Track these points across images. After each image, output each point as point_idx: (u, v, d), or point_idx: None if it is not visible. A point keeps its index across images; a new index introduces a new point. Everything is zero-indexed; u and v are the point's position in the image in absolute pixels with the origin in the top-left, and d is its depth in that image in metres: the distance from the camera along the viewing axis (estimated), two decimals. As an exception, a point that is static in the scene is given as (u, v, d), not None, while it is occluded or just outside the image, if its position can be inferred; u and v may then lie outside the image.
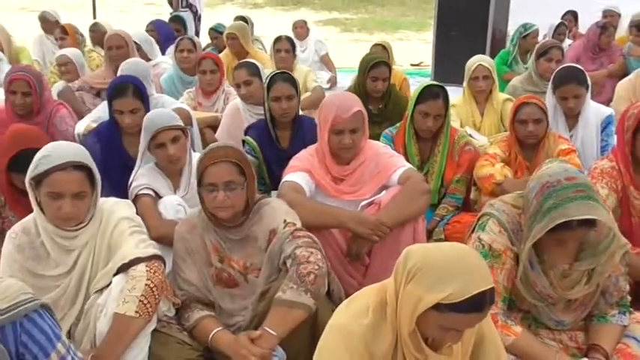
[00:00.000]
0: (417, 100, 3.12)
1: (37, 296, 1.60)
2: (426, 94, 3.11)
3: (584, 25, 6.18)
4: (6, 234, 2.39)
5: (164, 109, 2.99)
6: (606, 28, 5.55)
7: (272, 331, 1.92)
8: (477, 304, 1.43)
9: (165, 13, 9.70)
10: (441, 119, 3.13)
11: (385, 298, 1.57)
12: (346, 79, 6.81)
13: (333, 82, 6.75)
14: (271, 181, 3.10)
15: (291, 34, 6.25)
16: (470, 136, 3.52)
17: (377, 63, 3.96)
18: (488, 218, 2.04)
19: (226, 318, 2.17)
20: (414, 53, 9.81)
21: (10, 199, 2.47)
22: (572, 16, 7.31)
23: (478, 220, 2.10)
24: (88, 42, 5.94)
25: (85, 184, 1.99)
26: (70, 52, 4.67)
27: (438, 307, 1.44)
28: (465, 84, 4.00)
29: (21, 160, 2.31)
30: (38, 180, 1.96)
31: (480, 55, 4.10)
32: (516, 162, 3.15)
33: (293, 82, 3.17)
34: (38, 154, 1.99)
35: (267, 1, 18.51)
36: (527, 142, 3.12)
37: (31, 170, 1.97)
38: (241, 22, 5.97)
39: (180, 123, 2.71)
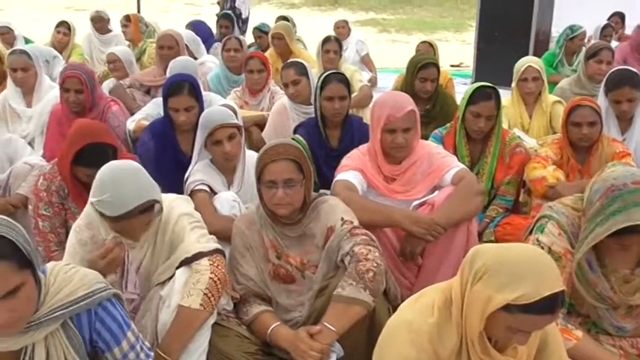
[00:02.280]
0: (468, 101, 3.10)
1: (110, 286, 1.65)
2: (478, 95, 3.09)
3: (632, 26, 6.04)
4: (69, 225, 2.48)
5: (221, 106, 3.04)
6: None
7: (331, 327, 1.93)
8: (550, 305, 1.42)
9: (204, 13, 9.83)
10: (492, 120, 3.10)
11: (450, 297, 1.57)
12: (384, 80, 6.79)
13: (373, 82, 6.72)
14: (320, 179, 3.12)
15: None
16: (518, 137, 3.49)
17: (426, 64, 3.96)
18: (547, 220, 2.01)
19: (283, 313, 2.20)
20: (453, 54, 9.74)
21: (73, 191, 2.53)
22: (619, 17, 7.15)
23: (536, 222, 2.07)
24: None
25: (150, 215, 2.02)
26: (119, 50, 4.77)
27: (508, 307, 1.42)
28: (513, 85, 3.94)
29: (86, 154, 2.38)
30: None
31: (530, 57, 4.05)
32: (568, 165, 3.09)
33: (346, 83, 3.20)
34: (99, 191, 1.92)
35: (304, 1, 18.56)
36: (580, 145, 3.07)
37: (95, 203, 1.95)
38: (286, 22, 6.02)
39: (237, 121, 2.75)
